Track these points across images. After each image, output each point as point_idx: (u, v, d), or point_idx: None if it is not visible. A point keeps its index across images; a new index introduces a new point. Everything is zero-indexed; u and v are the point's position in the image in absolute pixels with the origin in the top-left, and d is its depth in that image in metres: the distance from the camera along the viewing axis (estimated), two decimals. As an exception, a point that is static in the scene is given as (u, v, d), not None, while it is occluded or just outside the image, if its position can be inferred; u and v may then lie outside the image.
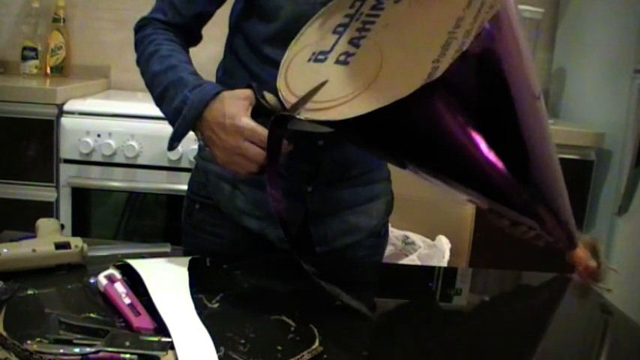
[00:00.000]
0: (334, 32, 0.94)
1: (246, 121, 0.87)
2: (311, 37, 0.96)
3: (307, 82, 0.89)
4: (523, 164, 0.91)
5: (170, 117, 0.95)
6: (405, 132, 0.85)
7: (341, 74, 0.88)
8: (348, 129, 0.85)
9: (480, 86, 0.84)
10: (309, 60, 0.93)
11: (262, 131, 0.86)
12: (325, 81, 0.86)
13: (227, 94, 0.91)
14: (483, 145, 0.86)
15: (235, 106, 0.88)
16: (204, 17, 1.08)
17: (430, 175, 0.93)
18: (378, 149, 0.96)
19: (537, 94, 0.91)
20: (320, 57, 0.92)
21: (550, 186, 0.97)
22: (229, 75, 1.11)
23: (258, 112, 0.88)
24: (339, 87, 0.86)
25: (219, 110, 0.89)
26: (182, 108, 0.92)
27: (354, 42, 0.90)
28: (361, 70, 0.87)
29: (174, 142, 0.95)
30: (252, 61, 1.06)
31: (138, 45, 1.04)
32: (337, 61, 0.90)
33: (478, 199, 0.98)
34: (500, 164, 0.88)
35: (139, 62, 1.04)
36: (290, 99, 0.88)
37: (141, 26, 1.05)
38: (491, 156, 0.87)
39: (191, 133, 0.96)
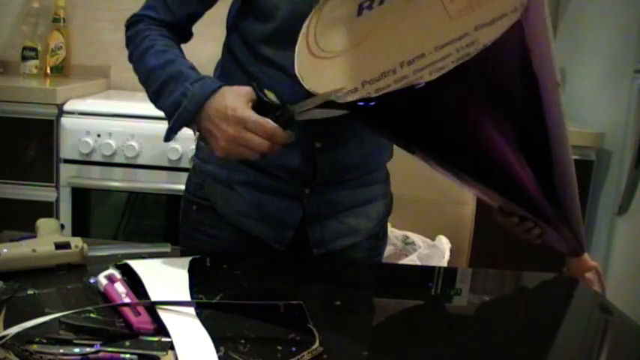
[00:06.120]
0: None
1: (249, 113, 0.87)
2: None
3: (334, 29, 0.86)
4: (545, 153, 0.90)
5: (168, 110, 0.95)
6: (425, 119, 0.82)
7: (348, 27, 0.85)
8: (363, 114, 0.83)
9: (508, 72, 0.81)
10: None
11: (265, 123, 0.87)
12: (332, 91, 0.83)
13: (228, 88, 0.92)
14: (507, 135, 0.83)
15: (237, 99, 0.89)
16: (196, 16, 1.09)
17: (445, 166, 0.90)
18: (395, 133, 0.93)
19: (558, 81, 0.90)
20: None
21: (566, 181, 0.95)
22: (227, 75, 1.11)
23: (258, 109, 0.89)
24: (336, 40, 0.84)
25: (220, 102, 0.90)
26: (182, 101, 0.92)
27: None
28: (352, 32, 0.83)
29: (171, 133, 0.95)
30: (248, 61, 1.06)
31: (131, 41, 1.04)
32: (360, 9, 0.86)
33: (492, 196, 0.96)
34: (520, 158, 0.86)
35: (131, 58, 1.04)
36: (310, 40, 0.86)
37: (133, 22, 1.05)
38: (513, 147, 0.84)
39: (189, 132, 0.96)
